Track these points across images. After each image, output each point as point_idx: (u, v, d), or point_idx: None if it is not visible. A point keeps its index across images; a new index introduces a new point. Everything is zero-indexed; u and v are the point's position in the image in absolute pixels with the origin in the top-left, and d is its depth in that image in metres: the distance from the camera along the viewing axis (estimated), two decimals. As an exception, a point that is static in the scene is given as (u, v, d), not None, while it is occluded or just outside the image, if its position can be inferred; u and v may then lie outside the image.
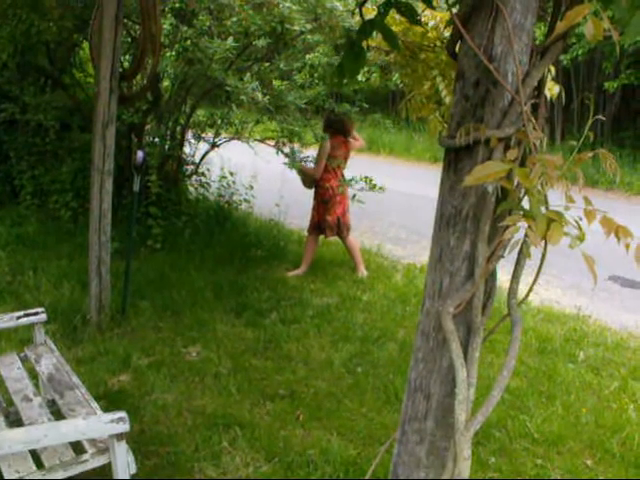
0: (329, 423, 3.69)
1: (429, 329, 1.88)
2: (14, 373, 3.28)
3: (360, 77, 7.81)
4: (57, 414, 2.97)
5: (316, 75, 6.44)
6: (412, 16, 2.10)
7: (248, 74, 5.02)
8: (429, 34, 4.09)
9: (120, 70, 4.60)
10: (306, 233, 6.43)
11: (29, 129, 7.47)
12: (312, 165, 6.14)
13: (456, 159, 1.78)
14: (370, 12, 4.27)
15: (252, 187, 7.57)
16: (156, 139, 6.97)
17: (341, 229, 6.18)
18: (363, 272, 6.25)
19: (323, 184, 6.07)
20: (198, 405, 3.82)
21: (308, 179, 6.17)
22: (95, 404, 2.91)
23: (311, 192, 6.23)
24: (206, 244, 6.62)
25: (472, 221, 1.74)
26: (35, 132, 7.46)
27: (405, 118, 4.46)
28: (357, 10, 3.68)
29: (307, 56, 6.45)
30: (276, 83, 5.22)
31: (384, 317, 5.23)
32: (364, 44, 2.24)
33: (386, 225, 8.42)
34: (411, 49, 4.13)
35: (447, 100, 4.06)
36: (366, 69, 7.23)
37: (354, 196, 5.74)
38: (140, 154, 4.66)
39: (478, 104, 1.70)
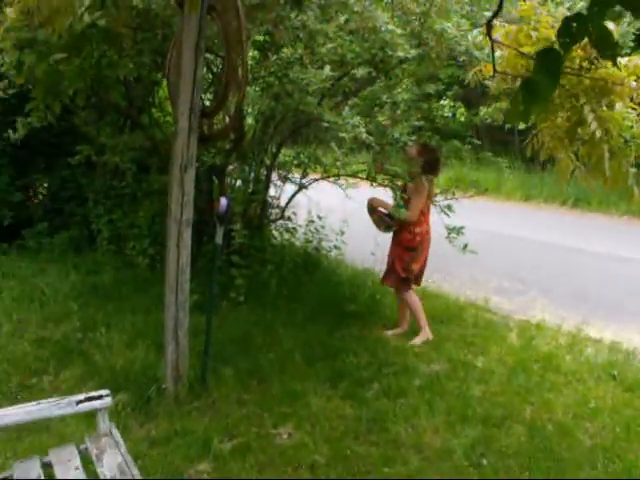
0: (456, 538, 2.94)
1: None
2: (71, 474, 2.67)
3: (447, 111, 7.01)
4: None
5: (399, 112, 5.73)
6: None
7: (347, 108, 4.38)
8: (572, 53, 3.35)
9: (200, 107, 4.04)
10: (389, 285, 5.59)
11: (107, 171, 7.11)
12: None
13: None
14: (499, 30, 3.58)
15: (343, 232, 6.84)
16: (239, 182, 6.42)
17: (419, 278, 5.44)
18: (429, 335, 5.28)
19: (413, 229, 5.20)
20: (293, 507, 3.13)
21: (385, 223, 5.34)
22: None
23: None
24: (294, 296, 5.95)
25: None
26: (113, 175, 7.14)
27: (529, 158, 3.70)
28: (478, 30, 2.99)
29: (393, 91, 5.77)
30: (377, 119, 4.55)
31: (505, 390, 4.42)
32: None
33: (486, 272, 7.55)
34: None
35: (598, 134, 3.30)
36: (452, 104, 6.49)
37: (465, 246, 4.98)
38: (224, 202, 4.04)
39: None
